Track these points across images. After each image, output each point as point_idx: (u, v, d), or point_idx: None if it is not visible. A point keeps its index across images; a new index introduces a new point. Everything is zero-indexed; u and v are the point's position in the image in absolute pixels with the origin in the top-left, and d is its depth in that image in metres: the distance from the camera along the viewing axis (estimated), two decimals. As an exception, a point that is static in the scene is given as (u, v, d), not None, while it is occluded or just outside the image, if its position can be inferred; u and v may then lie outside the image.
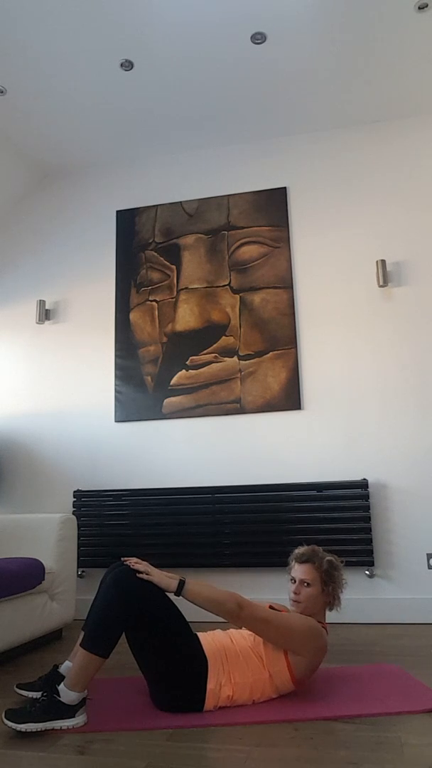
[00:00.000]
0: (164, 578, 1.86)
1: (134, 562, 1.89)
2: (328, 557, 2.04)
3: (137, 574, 1.84)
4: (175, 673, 1.80)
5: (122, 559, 1.94)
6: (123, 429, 3.62)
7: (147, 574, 1.85)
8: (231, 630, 2.04)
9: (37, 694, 1.93)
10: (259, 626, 1.83)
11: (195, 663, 1.82)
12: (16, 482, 3.71)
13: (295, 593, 2.01)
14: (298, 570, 2.04)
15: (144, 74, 3.17)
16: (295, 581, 2.03)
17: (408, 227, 3.46)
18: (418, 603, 3.06)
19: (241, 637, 1.97)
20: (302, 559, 2.05)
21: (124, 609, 1.78)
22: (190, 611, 3.23)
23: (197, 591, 1.84)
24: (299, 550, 2.09)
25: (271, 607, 2.07)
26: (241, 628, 1.98)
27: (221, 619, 3.21)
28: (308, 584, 2.00)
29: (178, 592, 1.83)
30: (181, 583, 1.85)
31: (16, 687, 1.99)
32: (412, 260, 3.41)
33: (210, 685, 1.80)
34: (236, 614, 1.80)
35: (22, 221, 4.10)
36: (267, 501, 3.24)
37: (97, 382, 3.72)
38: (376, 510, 3.19)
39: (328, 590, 1.99)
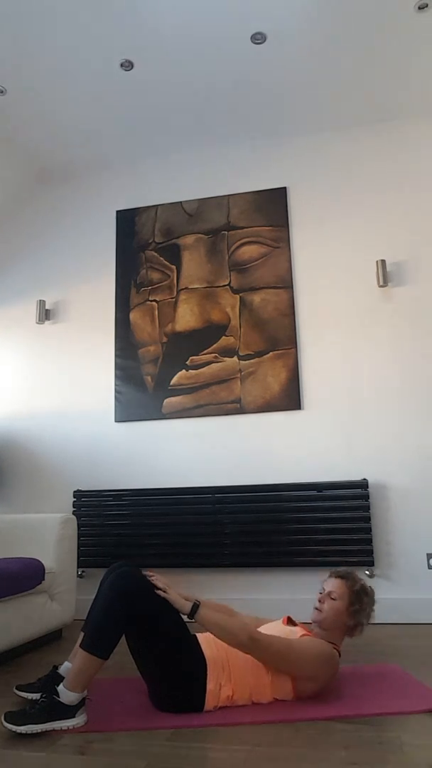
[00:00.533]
0: (179, 599, 1.85)
1: (155, 578, 1.89)
2: (364, 582, 2.04)
3: (155, 590, 1.84)
4: (174, 675, 1.80)
5: (144, 571, 1.92)
6: (123, 429, 3.62)
7: (164, 591, 1.85)
8: None
9: (36, 696, 1.93)
10: (273, 660, 1.81)
11: (194, 664, 1.81)
12: (16, 482, 3.71)
13: (319, 602, 2.02)
14: (329, 583, 2.05)
15: (144, 74, 3.17)
16: (323, 592, 2.04)
17: (408, 227, 3.46)
18: (418, 603, 3.06)
19: None
20: (337, 574, 2.06)
21: (125, 610, 1.78)
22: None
23: (209, 617, 1.81)
24: (339, 568, 2.11)
25: (289, 619, 2.07)
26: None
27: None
28: (334, 598, 1.99)
29: (191, 615, 1.82)
30: (195, 607, 1.83)
31: (16, 688, 1.99)
32: (412, 260, 3.41)
33: (210, 685, 1.80)
34: (248, 647, 1.78)
35: (22, 221, 4.10)
36: (267, 501, 3.24)
37: (97, 382, 3.72)
38: (376, 510, 3.19)
39: (352, 611, 1.97)
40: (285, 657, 1.80)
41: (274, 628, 1.99)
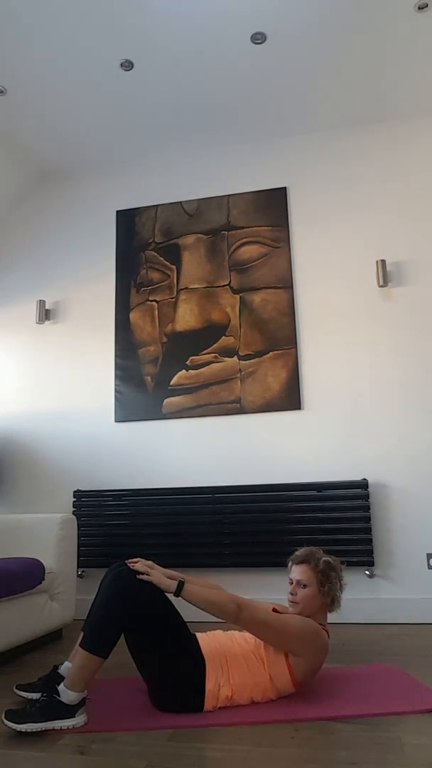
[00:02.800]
0: (163, 579, 1.85)
1: (134, 563, 1.89)
2: (325, 558, 2.03)
3: (137, 576, 1.84)
4: (173, 674, 1.80)
5: (126, 561, 1.92)
6: (123, 429, 3.62)
7: (147, 575, 1.85)
8: (233, 631, 2.04)
9: (35, 695, 1.93)
10: (259, 628, 1.82)
11: (192, 664, 1.81)
12: (16, 482, 3.71)
13: (291, 594, 2.02)
14: (294, 571, 2.04)
15: (144, 74, 3.17)
16: (292, 582, 2.03)
17: (408, 227, 3.46)
18: (418, 603, 3.06)
19: (243, 639, 1.96)
20: (298, 560, 2.05)
21: (123, 609, 1.78)
22: (190, 612, 3.23)
23: (196, 592, 1.83)
24: (297, 552, 2.09)
25: (274, 609, 2.07)
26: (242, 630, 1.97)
27: (217, 620, 3.21)
28: (304, 585, 1.99)
29: (177, 593, 1.83)
30: (180, 584, 1.84)
31: (16, 688, 1.99)
32: (412, 260, 3.41)
33: (209, 685, 1.80)
34: (235, 616, 1.80)
35: (22, 221, 4.10)
36: (267, 501, 3.24)
37: (97, 382, 3.72)
38: (376, 510, 3.19)
39: (325, 590, 1.98)
40: (271, 626, 1.81)
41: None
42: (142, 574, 1.85)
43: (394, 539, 3.15)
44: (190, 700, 1.79)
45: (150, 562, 1.92)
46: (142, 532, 3.35)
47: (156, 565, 1.93)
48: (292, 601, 2.01)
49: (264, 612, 1.84)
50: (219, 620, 3.19)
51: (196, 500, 3.32)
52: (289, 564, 2.10)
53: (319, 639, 1.88)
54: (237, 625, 1.83)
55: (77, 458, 3.64)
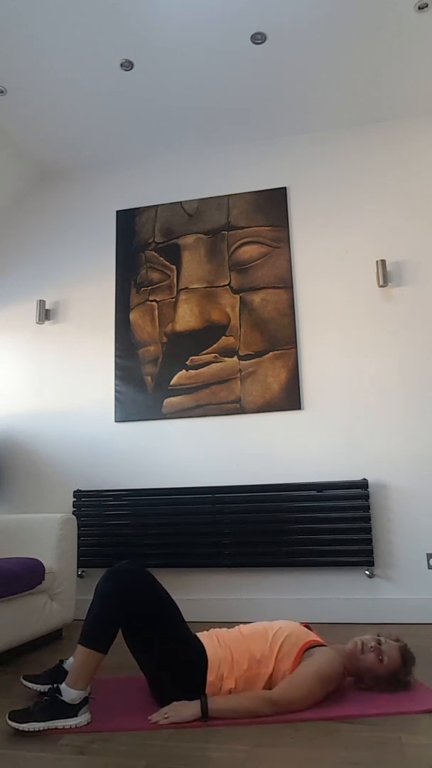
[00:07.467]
0: (183, 709, 1.72)
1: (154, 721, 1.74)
2: (412, 678, 1.95)
3: (158, 723, 1.71)
4: (173, 666, 1.79)
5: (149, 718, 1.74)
6: (123, 429, 3.62)
7: (166, 718, 1.71)
8: (241, 627, 2.02)
9: (40, 687, 1.94)
10: (298, 705, 1.75)
11: (193, 655, 1.80)
12: (16, 482, 3.70)
13: (374, 644, 1.92)
14: (390, 646, 1.94)
15: (144, 74, 3.17)
16: (380, 645, 1.93)
17: (408, 227, 3.46)
18: (418, 603, 3.06)
19: (253, 632, 1.93)
20: (402, 649, 1.94)
21: (121, 602, 1.78)
22: (185, 610, 3.23)
23: (224, 705, 1.72)
24: (405, 643, 1.98)
25: (305, 625, 2.05)
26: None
27: (218, 620, 3.21)
28: (382, 660, 1.90)
29: (204, 714, 1.69)
30: (203, 703, 1.71)
31: (23, 678, 2.00)
32: (412, 260, 3.41)
33: (210, 677, 1.79)
34: (274, 712, 1.72)
35: (22, 221, 4.10)
36: (267, 501, 3.24)
37: (97, 382, 3.72)
38: (376, 510, 3.19)
39: (381, 680, 1.90)
40: (306, 697, 1.76)
41: (288, 626, 1.96)
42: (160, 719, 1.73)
43: (394, 539, 3.15)
44: (190, 692, 1.78)
45: (163, 714, 1.74)
46: (142, 532, 3.35)
47: (168, 708, 1.77)
48: (380, 658, 1.91)
49: (294, 693, 1.75)
50: (215, 620, 3.20)
51: (196, 500, 3.32)
52: (386, 635, 2.01)
53: (340, 678, 1.84)
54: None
55: (77, 458, 3.64)
